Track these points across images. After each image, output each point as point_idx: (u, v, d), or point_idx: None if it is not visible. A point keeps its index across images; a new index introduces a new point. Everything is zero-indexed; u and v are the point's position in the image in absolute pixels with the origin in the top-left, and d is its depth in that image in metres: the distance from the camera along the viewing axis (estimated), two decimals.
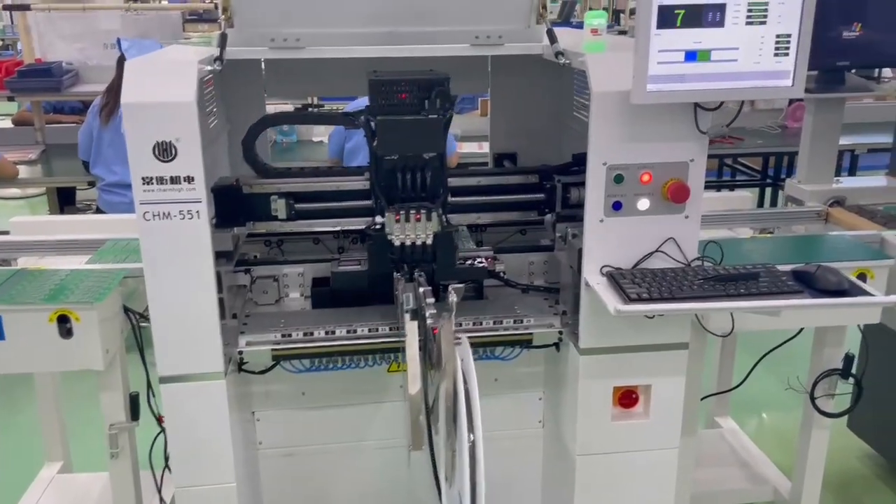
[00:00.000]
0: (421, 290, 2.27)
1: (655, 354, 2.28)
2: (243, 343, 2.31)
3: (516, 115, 3.04)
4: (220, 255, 2.36)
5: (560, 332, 2.39)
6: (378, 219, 2.25)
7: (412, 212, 2.24)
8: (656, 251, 2.18)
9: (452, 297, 2.05)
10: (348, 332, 2.35)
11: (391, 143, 2.20)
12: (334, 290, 2.54)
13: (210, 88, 2.62)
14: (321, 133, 6.39)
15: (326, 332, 2.34)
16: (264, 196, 2.49)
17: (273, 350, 2.29)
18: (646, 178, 2.13)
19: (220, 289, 2.33)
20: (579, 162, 2.57)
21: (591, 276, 2.18)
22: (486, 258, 2.64)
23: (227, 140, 2.70)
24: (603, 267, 2.19)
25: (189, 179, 1.98)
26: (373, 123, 2.17)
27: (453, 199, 2.49)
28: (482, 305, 2.53)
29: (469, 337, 2.34)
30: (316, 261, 2.68)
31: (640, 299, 1.97)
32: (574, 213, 2.52)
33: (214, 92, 2.75)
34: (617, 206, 2.15)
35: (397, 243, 2.30)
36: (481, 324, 2.39)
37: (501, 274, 2.64)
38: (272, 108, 4.52)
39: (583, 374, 2.30)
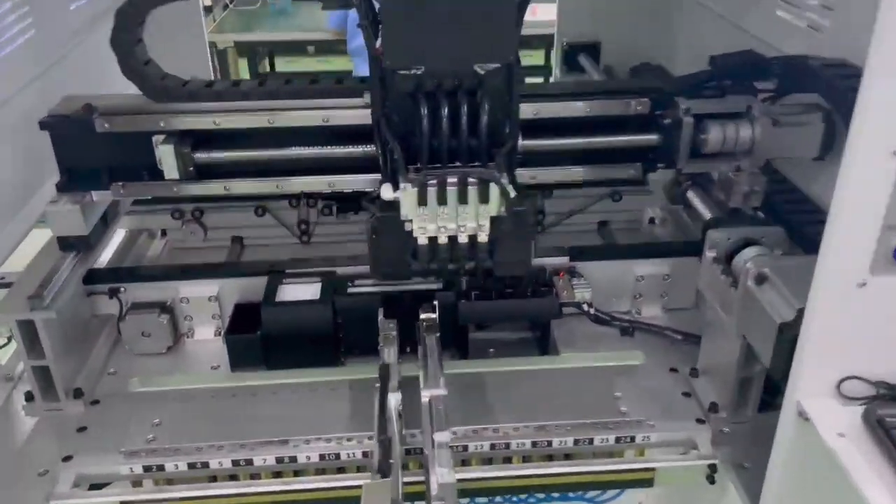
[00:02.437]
0: (430, 395, 1.06)
1: None
2: (65, 483, 1.14)
3: None
4: (66, 247, 1.36)
5: (712, 468, 1.17)
6: (386, 191, 1.16)
7: (451, 180, 1.14)
8: None
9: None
10: (278, 460, 1.16)
11: (412, 46, 1.11)
12: (269, 338, 1.35)
13: None
14: None
15: (234, 463, 1.15)
16: (139, 137, 1.30)
17: None
18: None
19: (35, 351, 1.18)
20: (725, 72, 1.37)
21: (814, 400, 0.94)
22: (559, 271, 1.42)
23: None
24: (844, 380, 0.94)
25: None
26: (376, 4, 1.14)
27: None
28: (546, 382, 1.31)
29: (527, 477, 1.16)
30: (242, 272, 1.46)
31: None
32: (707, 165, 1.36)
33: None
34: None
35: (423, 240, 1.17)
36: (549, 443, 1.18)
37: (586, 307, 1.41)
38: None
39: None
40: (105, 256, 1.61)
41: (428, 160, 1.14)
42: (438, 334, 1.25)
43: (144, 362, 1.40)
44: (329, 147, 1.32)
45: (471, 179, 1.12)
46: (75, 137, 1.31)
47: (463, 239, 1.17)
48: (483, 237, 1.17)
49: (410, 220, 1.15)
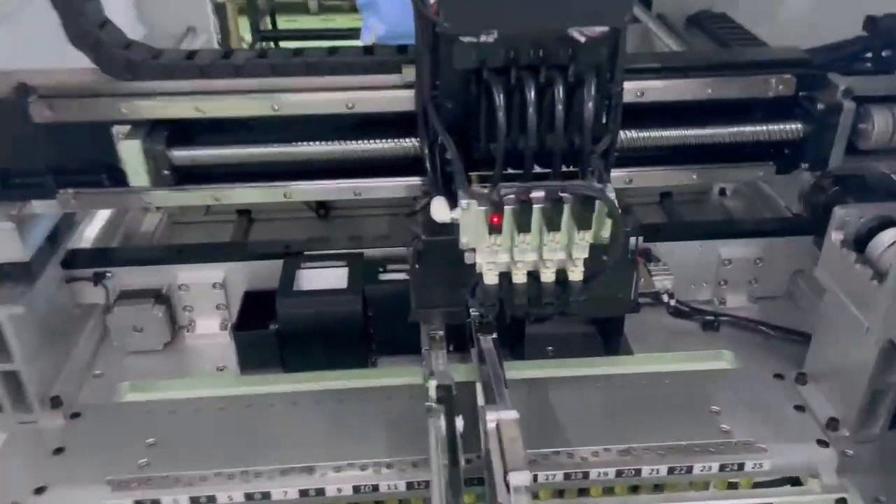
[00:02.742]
0: (497, 419, 0.83)
1: None
2: None
3: None
4: None
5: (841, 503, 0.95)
6: (440, 210, 0.86)
7: (537, 195, 0.83)
8: None
9: None
10: (302, 494, 0.93)
11: (482, 1, 0.79)
12: (286, 334, 1.12)
13: None
14: None
15: (248, 497, 0.93)
16: (93, 129, 1.00)
17: None
18: None
19: (2, 352, 0.96)
20: (888, 37, 1.06)
21: None
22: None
23: None
24: None
25: None
26: None
27: None
28: (623, 390, 1.08)
29: None
30: (253, 253, 1.23)
31: None
32: (865, 165, 1.07)
33: None
34: None
35: (491, 278, 0.88)
36: (637, 472, 0.95)
37: (666, 297, 1.18)
38: None
39: None
40: (89, 233, 1.38)
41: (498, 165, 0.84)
42: (496, 335, 1.01)
43: (136, 362, 1.18)
44: (355, 142, 1.02)
45: (565, 195, 0.81)
46: (6, 128, 1.00)
47: (548, 277, 0.87)
48: (577, 274, 0.87)
49: (472, 250, 0.86)
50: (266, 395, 1.07)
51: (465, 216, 0.83)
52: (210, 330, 1.22)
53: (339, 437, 1.00)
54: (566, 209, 0.83)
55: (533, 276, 0.89)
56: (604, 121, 0.90)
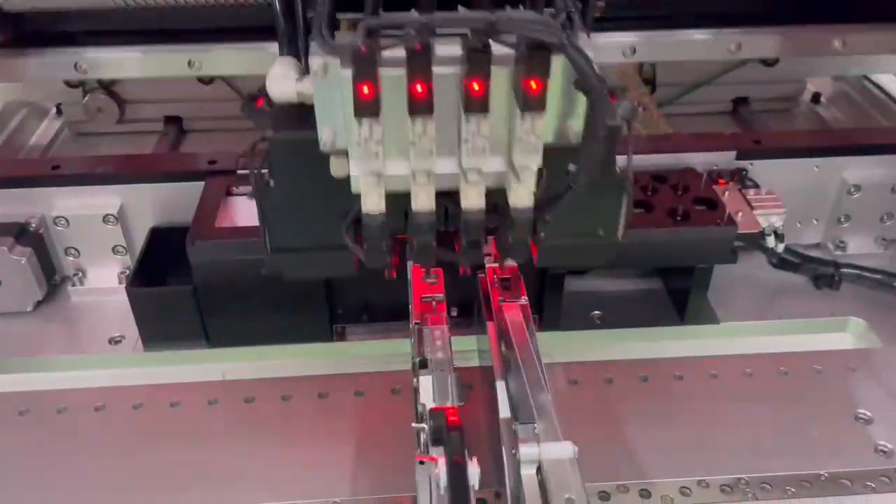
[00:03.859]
0: (538, 457, 0.45)
1: None
2: None
3: None
4: None
5: None
6: (281, 77, 0.49)
7: (443, 52, 0.44)
8: None
9: None
10: None
11: None
12: (208, 292, 0.74)
13: None
14: None
15: None
16: None
17: None
18: None
19: None
20: None
21: None
22: (718, 175, 0.81)
23: None
24: None
25: None
26: None
27: None
28: (712, 382, 0.71)
29: None
30: (163, 171, 0.84)
31: None
32: None
33: None
34: None
35: (372, 203, 0.49)
36: None
37: (772, 241, 0.80)
38: None
39: None
40: None
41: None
42: (525, 299, 0.64)
43: None
44: None
45: (499, 43, 0.43)
46: None
47: (473, 201, 0.50)
48: (523, 196, 0.49)
49: (344, 154, 0.49)
50: (172, 388, 0.71)
51: (320, 87, 0.46)
52: (103, 284, 0.84)
53: (284, 461, 0.63)
54: (500, 74, 0.44)
55: (449, 198, 0.51)
56: None
